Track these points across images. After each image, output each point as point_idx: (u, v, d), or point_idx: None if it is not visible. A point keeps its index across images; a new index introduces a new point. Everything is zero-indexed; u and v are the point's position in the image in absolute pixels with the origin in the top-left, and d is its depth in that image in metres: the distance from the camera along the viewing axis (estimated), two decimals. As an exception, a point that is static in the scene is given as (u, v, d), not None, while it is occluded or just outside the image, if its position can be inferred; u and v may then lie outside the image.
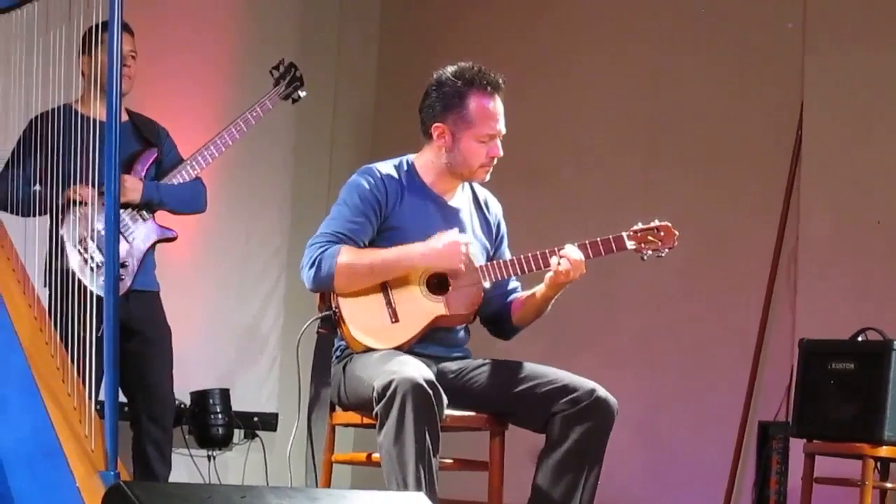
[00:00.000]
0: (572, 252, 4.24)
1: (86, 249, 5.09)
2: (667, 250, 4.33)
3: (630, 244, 4.29)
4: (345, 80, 7.59)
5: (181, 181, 5.35)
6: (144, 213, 5.29)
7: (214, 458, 7.00)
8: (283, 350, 7.43)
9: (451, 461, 4.31)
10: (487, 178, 4.44)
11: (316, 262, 4.23)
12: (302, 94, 5.65)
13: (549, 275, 4.30)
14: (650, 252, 4.31)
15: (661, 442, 6.75)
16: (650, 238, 4.31)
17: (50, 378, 4.20)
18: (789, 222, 6.50)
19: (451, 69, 4.36)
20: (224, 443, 6.99)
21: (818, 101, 6.43)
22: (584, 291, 6.64)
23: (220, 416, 6.87)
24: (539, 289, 4.38)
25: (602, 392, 4.16)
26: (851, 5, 6.40)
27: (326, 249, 4.24)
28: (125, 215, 5.21)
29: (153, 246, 5.35)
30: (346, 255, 4.23)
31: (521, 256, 4.32)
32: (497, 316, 4.51)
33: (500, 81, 4.34)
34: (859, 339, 5.59)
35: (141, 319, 5.30)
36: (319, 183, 7.67)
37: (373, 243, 4.33)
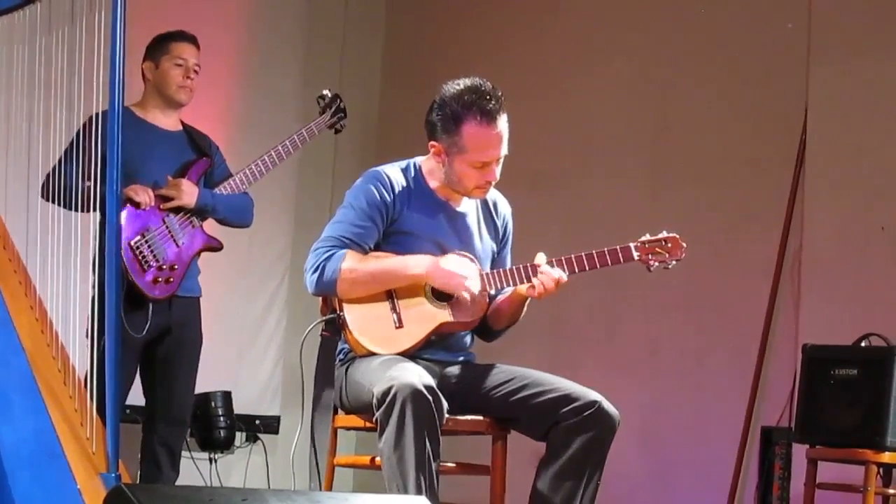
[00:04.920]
0: (553, 272, 4.22)
1: (139, 249, 5.14)
2: (674, 262, 4.31)
3: (637, 255, 4.27)
4: (349, 81, 7.59)
5: (228, 193, 5.42)
6: (195, 219, 5.34)
7: (216, 460, 7.01)
8: (286, 353, 7.43)
9: (453, 465, 4.31)
10: (486, 196, 4.42)
11: (319, 267, 4.21)
12: (344, 124, 5.75)
13: (524, 287, 4.28)
14: (657, 263, 4.30)
15: (663, 447, 6.75)
16: (658, 250, 4.29)
17: (52, 380, 4.19)
18: (793, 228, 6.50)
19: (454, 88, 4.26)
20: (226, 445, 7.00)
21: (822, 108, 6.43)
22: (587, 298, 6.69)
23: (222, 418, 6.89)
24: (520, 289, 4.34)
25: (604, 403, 4.14)
26: (856, 14, 6.40)
27: (331, 254, 4.22)
28: (176, 220, 5.27)
29: (199, 253, 5.39)
30: (350, 261, 4.21)
31: (529, 265, 4.29)
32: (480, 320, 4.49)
33: (499, 106, 4.22)
34: (862, 344, 5.58)
35: (180, 324, 5.34)
36: (323, 185, 7.68)
37: (378, 247, 4.31)
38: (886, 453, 5.29)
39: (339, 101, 5.71)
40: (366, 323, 4.25)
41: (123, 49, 3.94)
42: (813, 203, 6.42)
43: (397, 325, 4.25)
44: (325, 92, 5.74)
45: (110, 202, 3.96)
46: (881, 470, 5.47)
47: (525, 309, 4.42)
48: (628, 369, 6.82)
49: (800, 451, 5.82)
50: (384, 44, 8.17)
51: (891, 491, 5.56)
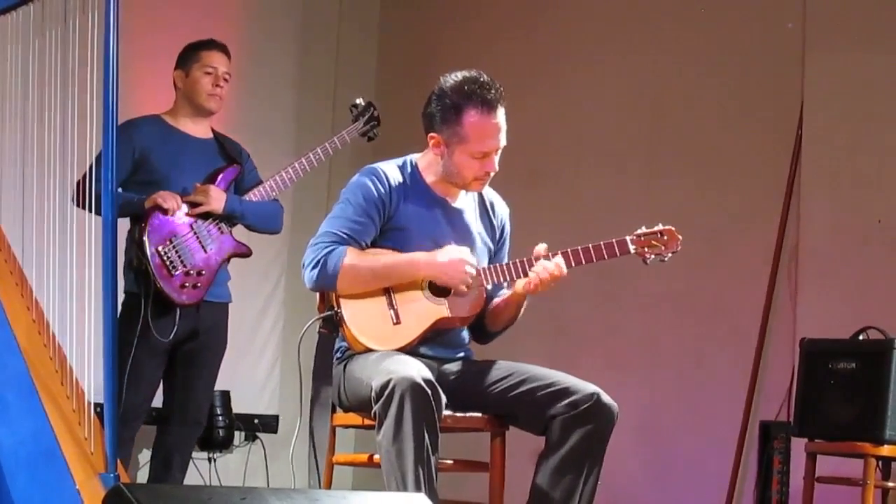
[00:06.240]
0: (549, 264, 4.23)
1: (166, 255, 5.17)
2: (670, 254, 4.32)
3: (633, 248, 4.28)
4: (344, 79, 7.58)
5: (257, 200, 5.46)
6: (224, 225, 5.39)
7: (215, 460, 7.01)
8: (284, 352, 7.42)
9: (451, 462, 4.30)
10: (483, 189, 4.42)
11: (319, 263, 4.21)
12: (377, 132, 5.84)
13: (522, 282, 4.29)
14: (653, 256, 4.30)
15: (662, 442, 6.75)
16: (653, 242, 4.30)
17: (49, 380, 4.19)
18: (790, 222, 6.50)
19: (453, 79, 4.28)
20: (225, 445, 7.00)
21: (818, 102, 6.43)
22: (585, 293, 6.68)
23: (220, 418, 6.89)
24: (517, 288, 4.34)
25: (603, 396, 4.14)
26: (851, 7, 6.40)
27: (331, 250, 4.21)
28: (204, 226, 5.31)
29: (228, 259, 5.43)
30: (350, 258, 4.21)
31: (525, 259, 4.29)
32: (476, 322, 4.49)
33: (499, 96, 4.25)
34: (860, 338, 5.58)
35: (207, 328, 5.41)
36: (319, 184, 7.66)
37: (375, 243, 4.32)
38: (885, 446, 5.28)
39: (372, 108, 5.80)
40: (363, 319, 4.25)
41: (116, 50, 3.94)
42: (810, 196, 6.41)
43: (395, 321, 4.25)
44: (359, 101, 5.82)
45: (105, 202, 3.96)
46: (880, 463, 5.47)
47: (522, 310, 4.42)
48: (626, 364, 6.81)
49: (798, 446, 5.81)
50: (378, 43, 8.16)
51: (890, 484, 5.56)
